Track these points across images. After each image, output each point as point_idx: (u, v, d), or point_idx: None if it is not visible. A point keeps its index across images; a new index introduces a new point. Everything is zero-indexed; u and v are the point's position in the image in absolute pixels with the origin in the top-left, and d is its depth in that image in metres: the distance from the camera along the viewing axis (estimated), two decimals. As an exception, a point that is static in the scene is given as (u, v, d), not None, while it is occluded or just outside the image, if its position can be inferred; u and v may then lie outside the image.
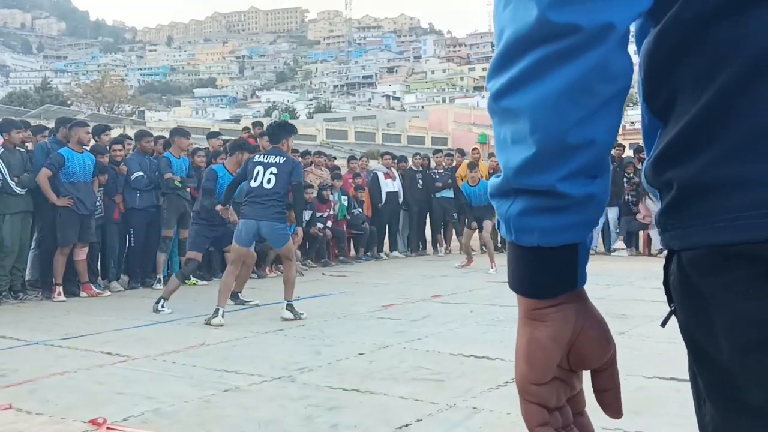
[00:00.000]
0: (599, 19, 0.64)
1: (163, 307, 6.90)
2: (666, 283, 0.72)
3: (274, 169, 6.43)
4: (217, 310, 6.24)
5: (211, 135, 11.13)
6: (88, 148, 8.18)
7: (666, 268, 0.71)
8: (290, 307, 6.46)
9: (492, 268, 9.85)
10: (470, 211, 10.40)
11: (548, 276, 0.72)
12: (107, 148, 8.70)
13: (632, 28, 0.71)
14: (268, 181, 6.39)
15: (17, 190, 7.58)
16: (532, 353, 0.73)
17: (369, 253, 12.21)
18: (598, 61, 0.65)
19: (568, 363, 0.74)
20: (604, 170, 0.71)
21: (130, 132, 11.68)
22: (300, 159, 11.76)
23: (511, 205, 0.71)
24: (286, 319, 6.33)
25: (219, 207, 6.99)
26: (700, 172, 0.64)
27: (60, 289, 7.80)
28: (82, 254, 8.01)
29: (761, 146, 0.61)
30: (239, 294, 7.37)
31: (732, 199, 0.62)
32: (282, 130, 6.90)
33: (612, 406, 0.76)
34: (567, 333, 0.72)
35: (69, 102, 60.35)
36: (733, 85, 0.62)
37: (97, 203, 8.33)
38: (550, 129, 0.67)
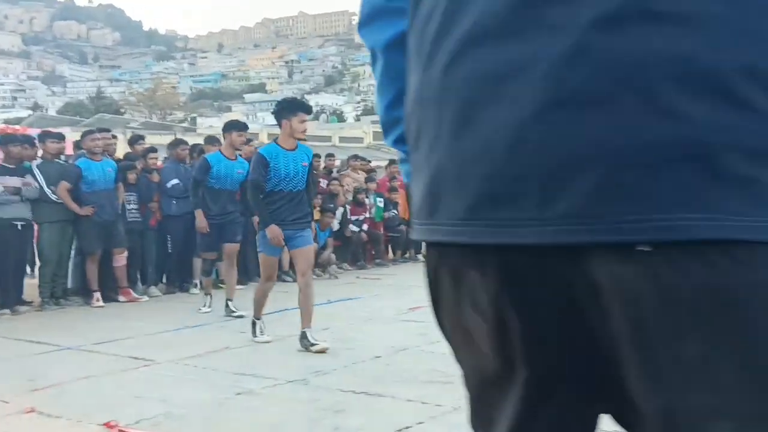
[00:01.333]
0: (370, 42, 0.99)
1: (206, 305, 7.42)
2: None
3: None
4: (253, 323, 5.80)
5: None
6: (108, 156, 8.25)
7: None
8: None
9: None
10: None
11: None
12: (142, 156, 8.89)
13: None
14: None
15: (54, 198, 7.78)
16: None
17: (406, 255, 12.23)
18: (381, 68, 0.99)
19: None
20: None
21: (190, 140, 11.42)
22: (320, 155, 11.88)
23: None
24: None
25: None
26: None
27: (98, 295, 7.96)
28: (121, 260, 8.19)
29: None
30: (229, 301, 7.14)
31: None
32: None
33: None
34: None
35: (122, 110, 61.97)
36: None
37: (130, 208, 8.49)
38: (378, 112, 1.04)
